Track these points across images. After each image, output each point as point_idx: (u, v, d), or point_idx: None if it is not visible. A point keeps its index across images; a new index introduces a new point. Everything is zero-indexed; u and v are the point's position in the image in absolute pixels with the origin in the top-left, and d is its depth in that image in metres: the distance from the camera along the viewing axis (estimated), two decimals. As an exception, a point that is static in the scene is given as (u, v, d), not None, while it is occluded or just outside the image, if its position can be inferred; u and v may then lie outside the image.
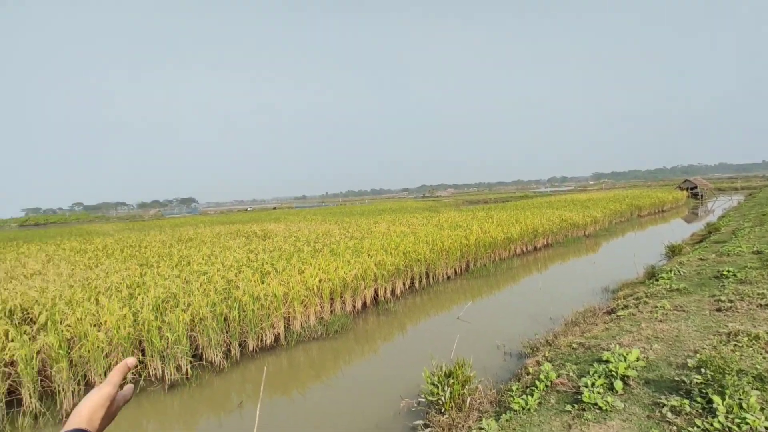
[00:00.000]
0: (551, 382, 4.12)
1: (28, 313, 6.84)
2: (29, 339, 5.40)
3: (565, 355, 4.97)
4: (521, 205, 29.62)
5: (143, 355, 5.81)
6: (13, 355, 5.04)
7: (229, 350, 6.36)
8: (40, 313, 6.39)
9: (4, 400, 4.89)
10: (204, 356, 6.14)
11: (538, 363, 4.98)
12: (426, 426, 4.23)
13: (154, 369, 5.74)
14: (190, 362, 5.88)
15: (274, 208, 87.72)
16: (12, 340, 5.31)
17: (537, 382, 4.14)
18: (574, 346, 5.20)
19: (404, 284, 10.04)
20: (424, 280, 10.61)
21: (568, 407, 3.58)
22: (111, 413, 0.84)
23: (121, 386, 0.84)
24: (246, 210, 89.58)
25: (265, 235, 17.15)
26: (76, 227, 47.63)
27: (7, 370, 5.00)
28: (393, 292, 9.57)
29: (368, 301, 8.83)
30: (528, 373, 4.79)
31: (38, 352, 5.17)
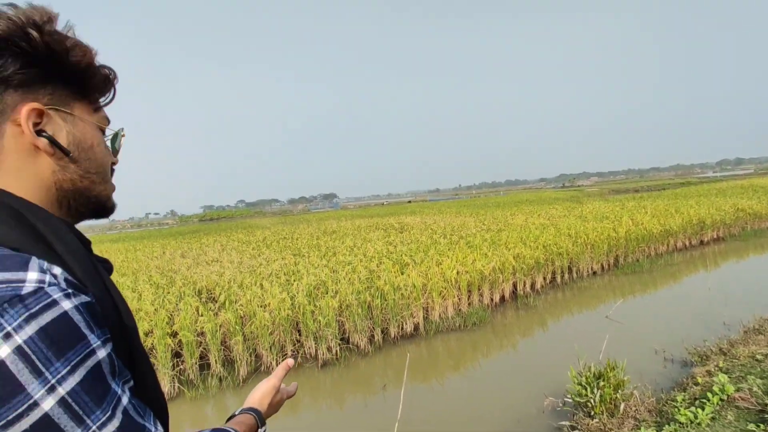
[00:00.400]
0: (728, 395, 3.61)
1: (211, 293, 8.16)
2: (213, 315, 6.42)
3: (746, 366, 4.29)
4: (682, 193, 25.99)
5: (299, 335, 6.51)
6: (203, 327, 6.05)
7: (372, 336, 6.78)
8: (219, 294, 7.56)
9: (198, 363, 5.91)
10: (350, 340, 6.64)
11: (710, 373, 4.38)
12: (573, 428, 4.03)
13: (309, 348, 6.39)
14: (339, 344, 6.41)
15: (409, 202, 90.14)
16: (201, 315, 6.39)
17: (709, 395, 3.66)
18: (759, 357, 4.45)
19: (545, 278, 9.58)
20: (566, 275, 10.00)
21: (752, 426, 3.10)
22: (275, 403, 0.99)
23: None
24: (383, 204, 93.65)
25: (402, 228, 17.76)
26: (240, 221, 54.79)
27: (198, 339, 6.02)
28: (533, 286, 9.21)
29: (506, 295, 8.64)
30: (696, 384, 4.24)
31: (220, 326, 6.13)
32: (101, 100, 0.69)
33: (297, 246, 13.92)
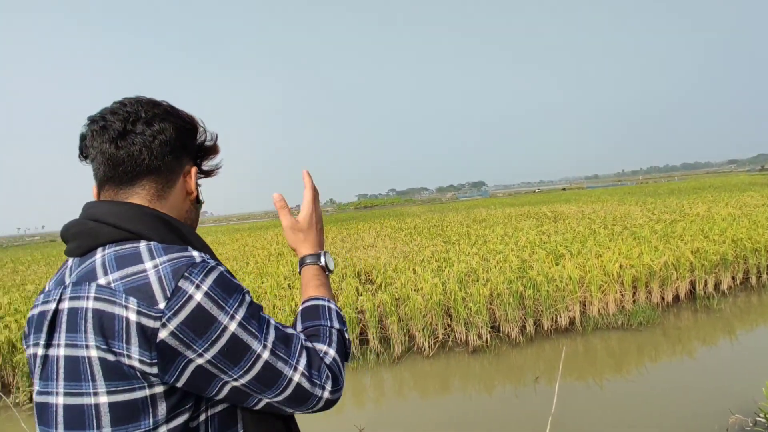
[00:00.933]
0: None
1: (368, 276, 8.86)
2: (371, 295, 6.99)
3: None
4: None
5: (450, 319, 6.71)
6: (363, 305, 6.64)
7: (524, 326, 6.65)
8: (376, 277, 8.18)
9: (358, 338, 6.53)
10: (501, 328, 6.61)
11: None
12: (768, 452, 3.47)
13: (459, 333, 6.56)
14: (489, 332, 6.45)
15: (564, 189, 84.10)
16: (361, 295, 7.01)
17: None
18: None
19: (733, 278, 8.20)
20: (764, 276, 8.40)
21: None
22: (309, 219, 1.09)
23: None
24: (534, 191, 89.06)
25: (556, 217, 16.78)
26: (391, 209, 57.54)
27: (358, 316, 6.63)
28: (717, 286, 7.96)
29: (682, 294, 7.63)
30: None
31: (378, 306, 6.65)
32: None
33: (447, 234, 14.18)
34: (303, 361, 0.81)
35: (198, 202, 0.95)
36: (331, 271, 1.08)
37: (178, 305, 0.71)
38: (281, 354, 0.79)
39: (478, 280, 7.16)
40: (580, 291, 6.87)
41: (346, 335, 0.97)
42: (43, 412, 0.74)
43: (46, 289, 0.82)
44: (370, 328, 6.53)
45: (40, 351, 0.75)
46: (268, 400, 0.79)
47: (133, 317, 0.69)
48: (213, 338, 0.72)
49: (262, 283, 7.90)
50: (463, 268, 7.78)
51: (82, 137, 0.86)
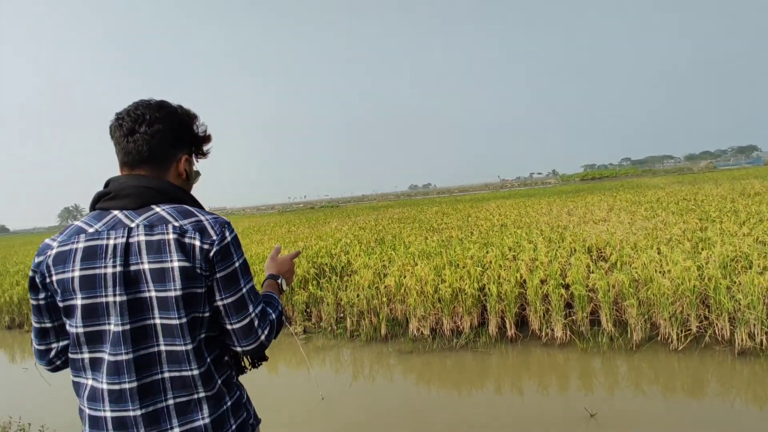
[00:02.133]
0: None
1: (601, 252, 8.10)
2: (604, 273, 6.39)
3: None
4: None
5: (708, 311, 5.65)
6: (594, 283, 6.14)
7: (823, 332, 5.14)
8: (610, 254, 7.41)
9: (588, 317, 6.10)
10: (785, 331, 5.25)
11: None
12: None
13: (721, 329, 5.47)
14: (767, 333, 5.20)
15: None
16: (592, 272, 6.48)
17: None
18: None
19: None
20: None
21: None
22: (282, 262, 1.66)
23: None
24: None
25: None
26: (625, 181, 50.81)
27: (589, 294, 6.17)
28: None
29: None
30: None
31: (613, 286, 6.05)
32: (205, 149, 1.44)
33: (703, 209, 11.80)
34: (259, 308, 1.29)
35: (188, 180, 1.38)
36: (283, 291, 1.59)
37: (221, 239, 1.23)
38: (252, 296, 1.28)
39: (750, 267, 5.80)
40: None
41: (283, 319, 1.42)
42: (140, 305, 1.17)
43: (90, 230, 1.20)
44: (603, 308, 6.01)
45: (117, 269, 1.16)
46: (229, 326, 1.24)
47: (197, 243, 1.20)
48: (226, 266, 1.24)
49: (487, 252, 8.03)
50: (728, 251, 6.40)
51: (110, 128, 1.29)
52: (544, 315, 6.19)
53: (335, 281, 7.84)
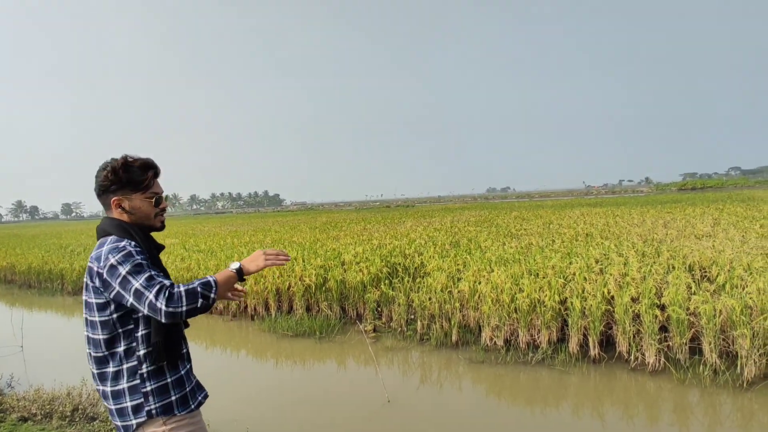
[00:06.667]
0: None
1: (705, 272, 7.22)
2: (709, 295, 5.66)
3: None
4: None
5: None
6: (696, 307, 5.46)
7: None
8: (717, 275, 6.57)
9: (688, 345, 5.42)
10: None
11: None
12: None
13: None
14: None
15: None
16: (694, 294, 5.77)
17: None
18: None
19: None
20: None
21: None
22: (255, 258, 1.92)
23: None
24: None
25: None
26: (734, 192, 45.59)
27: (690, 318, 5.49)
28: None
29: None
30: None
31: (720, 312, 5.33)
32: (152, 184, 1.93)
33: (836, 230, 10.16)
34: (153, 290, 1.64)
35: (129, 213, 1.89)
36: (243, 279, 1.91)
37: (105, 263, 1.71)
38: (144, 286, 1.65)
39: None
40: None
41: (200, 290, 1.70)
42: (87, 306, 1.82)
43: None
44: (706, 336, 5.31)
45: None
46: (143, 309, 1.66)
47: (95, 268, 1.75)
48: (116, 279, 1.69)
49: (570, 263, 7.48)
50: None
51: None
52: (634, 337, 5.61)
53: (408, 282, 7.71)
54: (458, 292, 6.91)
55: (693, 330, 5.48)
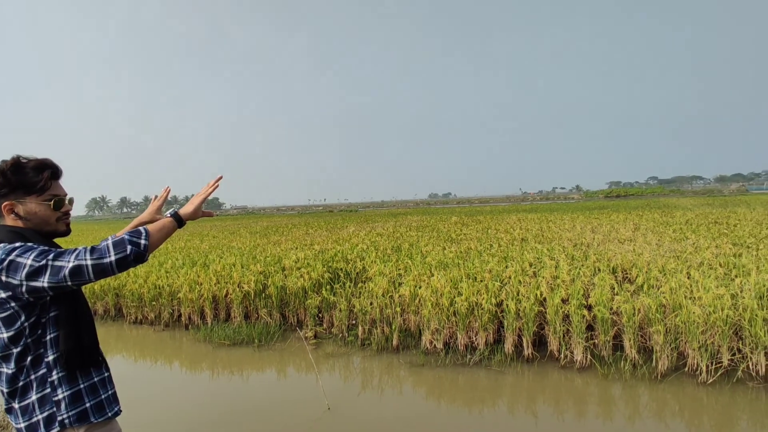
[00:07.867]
0: None
1: (626, 274, 7.77)
2: (629, 295, 6.08)
3: None
4: None
5: (742, 344, 5.31)
6: (618, 306, 5.85)
7: None
8: (636, 276, 7.09)
9: (611, 342, 5.80)
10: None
11: None
12: None
13: (755, 364, 5.13)
14: (806, 371, 4.84)
15: None
16: (617, 294, 6.18)
17: None
18: None
19: None
20: None
21: None
22: (193, 201, 1.90)
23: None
24: None
25: None
26: (652, 200, 49.58)
27: (613, 317, 5.88)
28: None
29: None
30: None
31: (638, 310, 5.75)
32: (50, 185, 1.78)
33: (737, 234, 11.30)
34: (72, 254, 1.56)
35: (23, 219, 1.74)
36: (182, 222, 1.83)
37: (1, 266, 1.54)
38: (58, 255, 1.56)
39: (794, 300, 5.44)
40: None
41: (127, 237, 1.64)
42: None
43: None
44: (627, 333, 5.71)
45: None
46: (66, 281, 1.55)
47: None
48: (22, 270, 1.54)
49: (506, 267, 7.78)
50: (765, 281, 6.04)
51: None
52: (563, 336, 5.92)
53: (349, 287, 7.69)
54: (399, 296, 6.98)
55: (616, 328, 5.88)
